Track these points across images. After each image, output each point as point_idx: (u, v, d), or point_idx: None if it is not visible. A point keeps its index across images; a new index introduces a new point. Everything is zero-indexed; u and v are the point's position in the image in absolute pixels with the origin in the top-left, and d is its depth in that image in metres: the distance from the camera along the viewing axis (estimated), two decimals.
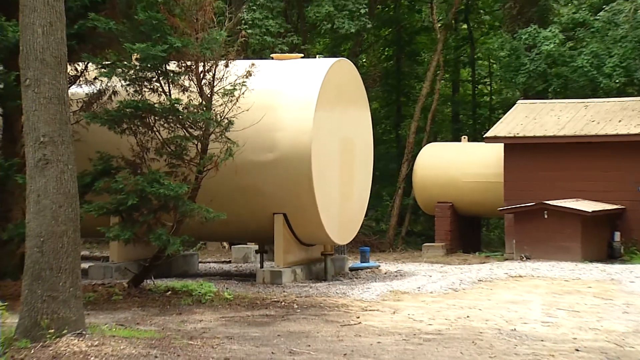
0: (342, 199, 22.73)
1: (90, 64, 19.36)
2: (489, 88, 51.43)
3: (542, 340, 14.83)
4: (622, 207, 28.35)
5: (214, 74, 19.32)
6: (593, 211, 27.43)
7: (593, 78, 35.58)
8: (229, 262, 27.43)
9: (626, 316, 17.50)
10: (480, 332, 15.47)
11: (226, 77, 19.42)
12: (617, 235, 28.14)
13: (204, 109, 19.06)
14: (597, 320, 16.97)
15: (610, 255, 27.87)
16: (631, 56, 34.72)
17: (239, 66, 19.92)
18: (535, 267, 25.18)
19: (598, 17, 36.98)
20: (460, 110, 48.84)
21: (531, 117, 31.04)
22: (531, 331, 15.74)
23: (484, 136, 32.32)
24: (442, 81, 44.44)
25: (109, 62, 18.88)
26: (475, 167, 32.36)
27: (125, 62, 18.77)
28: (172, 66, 18.99)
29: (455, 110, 48.71)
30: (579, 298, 19.71)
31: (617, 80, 34.54)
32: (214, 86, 19.32)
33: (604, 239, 28.02)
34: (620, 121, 29.22)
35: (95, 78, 19.48)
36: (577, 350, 14.03)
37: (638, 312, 18.01)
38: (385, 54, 48.75)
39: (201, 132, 19.17)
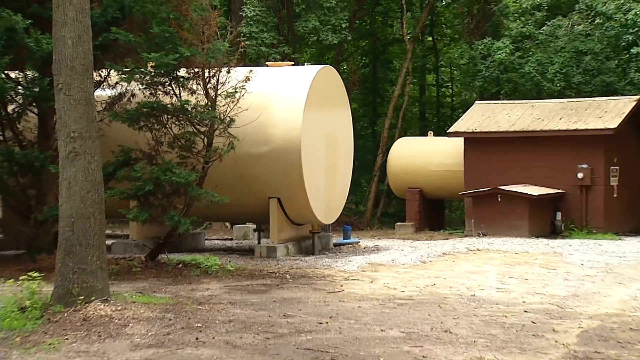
0: (327, 185, 22.77)
1: (112, 70, 19.36)
2: (450, 91, 51.43)
3: (497, 304, 14.94)
4: (563, 191, 28.47)
5: (217, 79, 19.41)
6: (538, 195, 27.58)
7: (538, 82, 35.66)
8: (231, 239, 27.42)
9: (566, 283, 17.63)
10: (445, 298, 15.57)
11: (228, 82, 19.49)
12: (559, 215, 28.26)
13: (210, 108, 19.14)
14: (543, 286, 17.10)
15: (552, 232, 27.97)
16: (569, 64, 34.92)
17: (239, 72, 20.03)
18: (491, 242, 25.30)
19: (542, 31, 37.11)
20: (427, 110, 48.80)
21: (486, 116, 31.12)
22: (488, 296, 15.84)
23: (447, 131, 32.34)
24: (411, 85, 44.26)
25: (128, 69, 18.93)
26: (440, 158, 32.33)
27: (142, 69, 18.83)
28: (182, 72, 19.03)
29: (422, 110, 48.66)
30: (527, 268, 19.78)
31: (558, 85, 34.65)
32: (217, 89, 19.42)
33: (547, 218, 28.12)
34: (560, 119, 29.38)
35: (116, 83, 19.49)
36: (526, 311, 14.14)
37: (576, 279, 18.13)
38: (363, 62, 48.65)
39: (207, 129, 19.26)
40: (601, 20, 35.66)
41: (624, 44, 34.59)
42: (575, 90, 33.82)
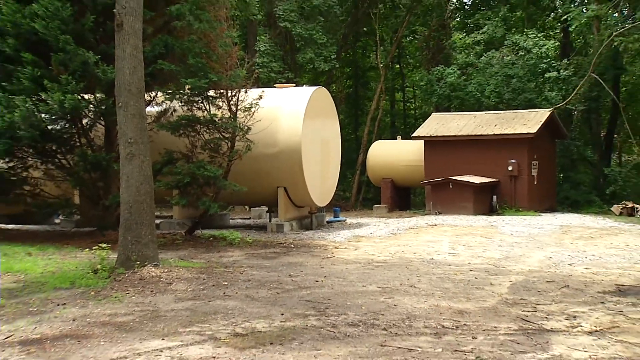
0: (321, 177, 22.69)
1: (159, 92, 19.32)
2: (413, 105, 51.30)
3: (449, 265, 14.97)
4: (497, 180, 28.45)
5: (237, 98, 19.37)
6: (480, 183, 27.56)
7: (478, 99, 35.60)
8: (249, 218, 27.37)
9: (500, 248, 17.67)
10: (411, 261, 15.56)
11: (245, 99, 19.46)
12: (495, 198, 28.26)
13: (232, 120, 19.10)
14: (483, 251, 17.14)
15: (490, 210, 27.96)
16: (501, 85, 34.86)
17: (254, 92, 20.00)
18: (445, 219, 25.18)
19: (480, 61, 37.00)
20: (396, 120, 48.53)
21: (441, 124, 31.07)
22: (442, 259, 15.84)
23: (411, 136, 32.22)
24: (384, 101, 44.17)
25: (170, 91, 18.84)
26: (406, 156, 32.26)
27: (181, 91, 18.77)
28: (211, 93, 18.97)
29: (393, 120, 48.44)
30: (471, 238, 19.81)
31: (493, 100, 34.58)
32: (237, 105, 19.36)
33: (487, 200, 28.12)
34: (495, 126, 29.40)
35: (162, 101, 19.42)
36: (471, 270, 14.18)
37: (507, 245, 18.17)
38: (347, 83, 48.47)
39: (230, 135, 19.21)
40: (523, 53, 35.68)
41: (540, 70, 34.69)
42: (506, 105, 33.80)
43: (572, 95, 32.34)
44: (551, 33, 40.58)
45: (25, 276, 13.04)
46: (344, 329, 9.29)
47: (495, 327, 9.45)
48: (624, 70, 36.89)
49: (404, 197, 34.41)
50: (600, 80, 32.05)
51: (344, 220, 25.19)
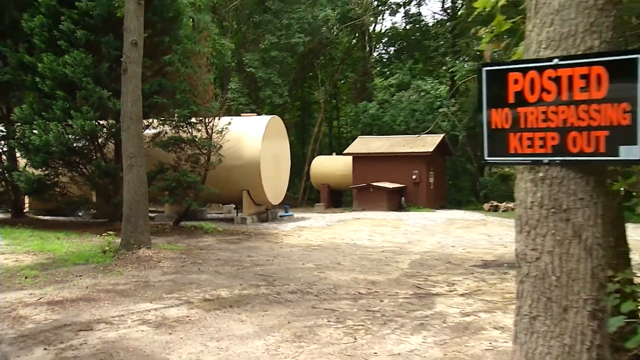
0: (275, 182, 22.49)
1: (154, 119, 19.06)
2: (345, 130, 51.26)
3: (367, 248, 15.01)
4: (405, 185, 28.59)
5: (212, 123, 19.07)
6: (392, 187, 27.69)
7: (392, 126, 35.88)
8: (222, 213, 27.07)
9: (405, 235, 17.75)
10: (339, 245, 15.57)
11: (218, 125, 19.16)
12: (403, 199, 28.41)
13: (208, 140, 18.83)
14: (392, 237, 17.22)
15: (399, 208, 28.10)
16: (408, 117, 35.27)
17: (225, 119, 19.77)
18: (366, 214, 25.18)
19: (393, 99, 37.40)
20: (333, 141, 48.65)
21: (365, 144, 31.12)
22: (362, 243, 15.89)
23: (343, 152, 32.23)
24: (324, 127, 44.23)
25: (163, 118, 18.59)
26: (340, 167, 32.16)
27: (171, 118, 18.49)
28: (193, 119, 18.69)
29: (330, 141, 48.45)
30: (384, 228, 19.89)
31: (402, 127, 34.92)
32: (212, 129, 19.05)
33: (397, 200, 28.23)
34: (403, 146, 29.54)
35: (157, 126, 19.11)
36: (383, 252, 14.24)
37: (410, 233, 18.26)
38: (297, 114, 48.40)
39: (207, 151, 18.89)
40: (423, 94, 36.12)
41: (435, 106, 35.20)
42: (411, 131, 34.04)
43: (458, 125, 32.83)
44: (443, 80, 41.10)
45: (54, 254, 12.91)
46: (285, 296, 9.26)
47: (397, 292, 9.53)
48: None
49: (337, 198, 34.38)
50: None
51: (292, 215, 25.06)
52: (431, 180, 29.41)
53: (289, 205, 27.91)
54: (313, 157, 36.75)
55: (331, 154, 36.23)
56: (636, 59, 2.66)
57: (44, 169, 18.30)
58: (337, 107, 49.20)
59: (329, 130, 49.14)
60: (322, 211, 29.69)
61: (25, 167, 18.70)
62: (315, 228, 19.97)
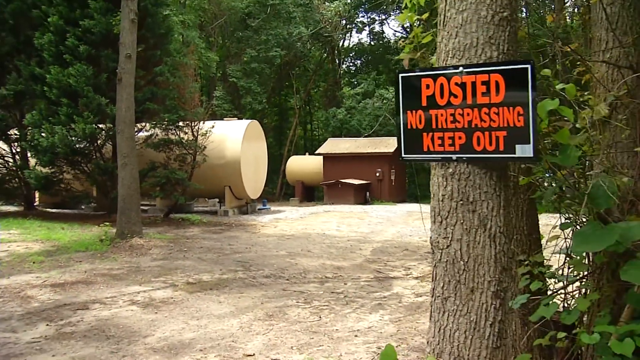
0: (254, 179, 22.38)
1: (147, 123, 18.91)
2: (317, 133, 51.16)
3: (335, 237, 15.07)
4: (369, 182, 28.71)
5: (198, 127, 18.94)
6: (358, 184, 27.79)
7: (359, 129, 36.04)
8: (207, 206, 26.92)
9: (369, 226, 17.87)
10: (310, 234, 15.61)
11: (203, 128, 19.04)
12: (367, 194, 28.47)
13: (194, 141, 18.71)
14: (357, 228, 17.32)
15: (365, 202, 28.19)
16: (372, 121, 35.38)
17: (209, 123, 19.66)
18: (335, 207, 25.17)
19: (359, 105, 37.54)
20: (307, 142, 48.61)
21: (335, 145, 31.10)
22: (331, 233, 15.93)
23: (315, 152, 32.23)
24: (299, 130, 44.25)
25: (155, 122, 18.41)
26: (312, 166, 32.06)
27: (161, 122, 18.37)
28: (181, 123, 18.56)
29: (305, 142, 48.44)
30: (351, 219, 19.97)
31: (367, 131, 35.00)
32: (198, 132, 18.90)
33: (363, 195, 28.29)
34: (368, 147, 29.57)
35: (149, 129, 18.95)
36: (348, 240, 14.31)
37: (373, 224, 18.38)
38: (275, 118, 48.23)
39: (193, 151, 18.75)
40: (386, 101, 36.26)
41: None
42: (375, 134, 34.19)
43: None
44: None
45: (59, 242, 12.89)
46: (260, 280, 9.33)
47: (359, 276, 9.65)
48: None
49: (310, 193, 34.31)
50: None
51: (269, 208, 24.99)
52: (393, 177, 29.56)
53: (267, 199, 27.88)
54: (289, 157, 36.67)
55: (305, 154, 36.19)
56: (526, 68, 2.74)
57: (50, 167, 18.29)
58: (310, 113, 49.13)
59: (303, 133, 49.10)
60: (297, 205, 29.64)
61: (35, 165, 18.71)
62: (289, 220, 19.99)
